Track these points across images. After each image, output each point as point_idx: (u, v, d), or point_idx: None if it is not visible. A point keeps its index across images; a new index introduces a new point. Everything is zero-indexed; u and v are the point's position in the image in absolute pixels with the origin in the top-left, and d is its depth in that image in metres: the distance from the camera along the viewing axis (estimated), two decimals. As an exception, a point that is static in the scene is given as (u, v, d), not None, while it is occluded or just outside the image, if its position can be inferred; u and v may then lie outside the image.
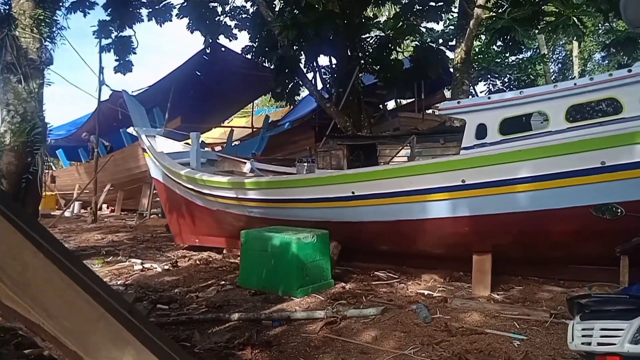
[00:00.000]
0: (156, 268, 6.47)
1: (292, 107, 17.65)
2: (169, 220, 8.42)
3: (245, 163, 8.50)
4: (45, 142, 6.70)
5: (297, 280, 5.08)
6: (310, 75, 14.14)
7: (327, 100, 13.32)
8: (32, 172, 6.44)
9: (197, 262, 7.00)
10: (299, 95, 16.45)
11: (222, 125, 19.53)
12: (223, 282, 5.68)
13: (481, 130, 5.35)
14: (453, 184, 5.03)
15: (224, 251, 7.64)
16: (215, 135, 20.74)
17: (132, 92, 12.06)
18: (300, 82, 13.94)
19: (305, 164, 6.88)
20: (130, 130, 8.72)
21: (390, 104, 20.42)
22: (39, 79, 6.62)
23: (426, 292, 5.19)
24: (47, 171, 6.91)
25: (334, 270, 5.94)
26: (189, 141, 8.52)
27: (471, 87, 14.05)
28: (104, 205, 16.01)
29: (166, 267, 6.61)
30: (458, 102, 5.61)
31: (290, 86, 14.21)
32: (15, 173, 6.34)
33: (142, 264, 6.79)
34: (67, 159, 17.45)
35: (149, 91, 12.72)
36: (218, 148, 18.13)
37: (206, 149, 16.39)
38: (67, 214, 14.72)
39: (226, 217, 6.99)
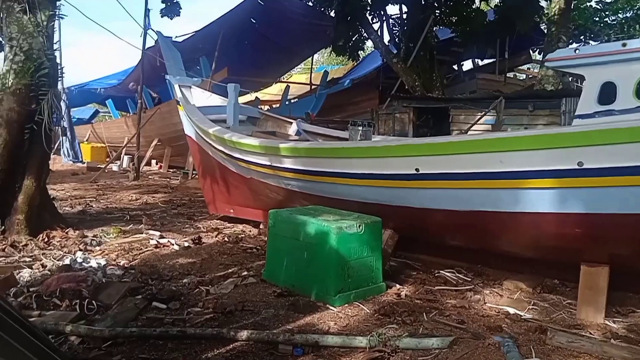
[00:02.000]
0: (173, 245, 5.40)
1: (355, 63, 16.11)
2: (202, 185, 7.36)
3: (291, 123, 7.23)
4: (55, 87, 5.66)
5: (336, 283, 3.82)
6: (376, 26, 12.50)
7: (395, 55, 11.72)
8: (37, 122, 5.46)
9: (226, 239, 5.88)
10: (363, 50, 14.87)
11: (277, 80, 18.15)
12: (246, 273, 4.52)
13: (608, 92, 3.77)
14: (565, 167, 3.52)
15: (261, 226, 6.50)
16: (274, 91, 19.54)
17: (176, 37, 10.98)
18: (365, 34, 12.32)
19: (360, 128, 5.50)
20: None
21: (466, 65, 18.35)
22: (48, 10, 5.53)
23: (511, 311, 3.81)
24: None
25: (389, 263, 4.65)
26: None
27: (568, 46, 11.94)
28: (153, 161, 15.37)
29: (187, 243, 5.54)
30: (576, 51, 4.01)
31: (354, 39, 12.66)
32: (16, 121, 5.37)
33: (160, 237, 5.76)
34: (117, 110, 16.86)
35: (196, 37, 11.56)
36: (276, 106, 16.97)
37: (261, 107, 15.28)
38: (114, 168, 14.18)
39: (261, 187, 5.80)
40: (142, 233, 5.94)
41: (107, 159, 15.90)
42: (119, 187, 10.70)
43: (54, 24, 5.68)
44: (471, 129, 7.90)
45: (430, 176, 4.08)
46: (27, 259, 4.72)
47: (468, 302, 3.99)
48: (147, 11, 10.99)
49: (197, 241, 5.60)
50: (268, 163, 5.19)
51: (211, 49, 11.16)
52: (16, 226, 5.34)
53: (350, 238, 3.86)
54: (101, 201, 8.59)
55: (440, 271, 4.72)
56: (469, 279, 4.54)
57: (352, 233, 3.88)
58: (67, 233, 5.68)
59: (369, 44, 13.14)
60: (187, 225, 6.76)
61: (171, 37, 10.53)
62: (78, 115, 21.77)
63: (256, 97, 16.54)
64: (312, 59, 17.96)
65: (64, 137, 15.05)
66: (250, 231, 6.56)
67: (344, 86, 14.05)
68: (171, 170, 14.32)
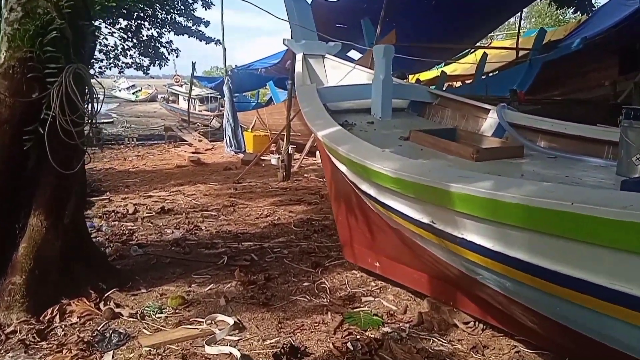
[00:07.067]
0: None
1: (580, 19, 11.73)
2: (336, 214, 4.57)
3: (487, 112, 3.99)
4: (79, 62, 3.38)
5: None
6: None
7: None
8: (43, 121, 3.25)
9: (350, 345, 3.02)
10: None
11: (472, 47, 14.00)
12: None
13: None
14: None
15: (425, 305, 3.53)
16: (468, 63, 15.46)
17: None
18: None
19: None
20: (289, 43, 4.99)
21: None
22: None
23: None
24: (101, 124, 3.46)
25: None
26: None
27: None
28: (317, 152, 13.16)
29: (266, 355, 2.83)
30: None
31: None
32: (7, 122, 3.21)
33: (229, 333, 3.16)
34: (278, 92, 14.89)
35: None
36: (469, 82, 13.27)
37: (447, 84, 11.79)
38: (273, 161, 12.29)
39: (419, 249, 2.78)
40: (206, 318, 3.40)
41: (273, 149, 14.19)
42: (261, 190, 8.54)
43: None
44: None
45: None
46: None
47: None
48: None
49: (285, 354, 2.84)
50: (426, 221, 2.15)
51: (377, 8, 8.20)
52: (7, 296, 3.22)
53: None
54: (220, 217, 6.43)
55: None
56: None
57: None
58: (96, 306, 3.44)
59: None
60: (304, 284, 4.11)
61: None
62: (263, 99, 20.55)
63: (442, 72, 13.05)
64: (520, 16, 13.54)
65: (227, 124, 13.67)
66: (407, 312, 3.61)
67: (572, 49, 9.80)
68: (335, 164, 11.92)
